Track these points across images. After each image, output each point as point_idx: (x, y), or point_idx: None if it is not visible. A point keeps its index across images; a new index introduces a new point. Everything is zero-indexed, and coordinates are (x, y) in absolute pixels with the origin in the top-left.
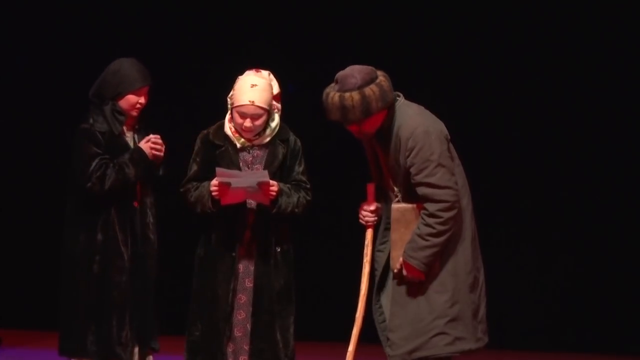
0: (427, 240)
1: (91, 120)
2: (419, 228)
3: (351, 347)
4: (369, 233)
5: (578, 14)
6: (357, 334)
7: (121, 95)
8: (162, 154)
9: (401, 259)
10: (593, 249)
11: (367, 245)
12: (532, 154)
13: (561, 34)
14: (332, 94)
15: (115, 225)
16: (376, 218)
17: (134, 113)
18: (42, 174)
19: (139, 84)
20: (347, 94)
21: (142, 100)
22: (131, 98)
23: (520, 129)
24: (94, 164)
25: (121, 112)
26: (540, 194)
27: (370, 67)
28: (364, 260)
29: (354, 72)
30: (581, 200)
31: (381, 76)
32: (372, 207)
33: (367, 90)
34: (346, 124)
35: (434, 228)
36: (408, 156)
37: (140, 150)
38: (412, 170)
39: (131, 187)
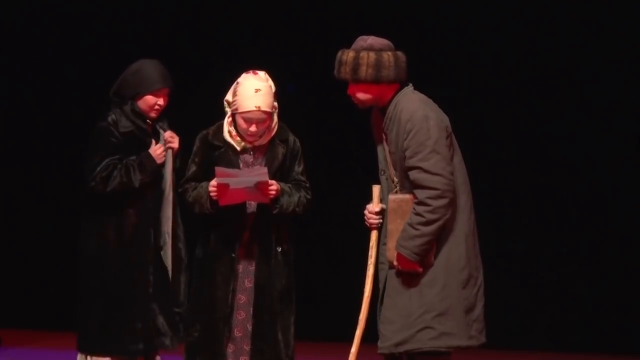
0: (417, 229)
1: (109, 119)
2: (410, 217)
3: (354, 349)
4: (374, 235)
5: (582, 13)
6: (360, 335)
7: (140, 96)
8: (175, 145)
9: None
10: (593, 249)
11: (372, 247)
12: (533, 154)
13: (561, 36)
14: (341, 50)
15: (132, 222)
16: (380, 220)
17: (153, 114)
18: (40, 174)
19: (158, 85)
20: (347, 51)
21: (161, 101)
22: (150, 99)
23: (518, 129)
24: (103, 163)
25: (140, 113)
26: (540, 193)
27: (388, 42)
28: (369, 262)
29: (369, 38)
30: (581, 201)
31: (391, 52)
32: (377, 209)
33: (363, 53)
34: (348, 80)
35: (423, 217)
36: (405, 139)
37: (149, 155)
38: (407, 153)
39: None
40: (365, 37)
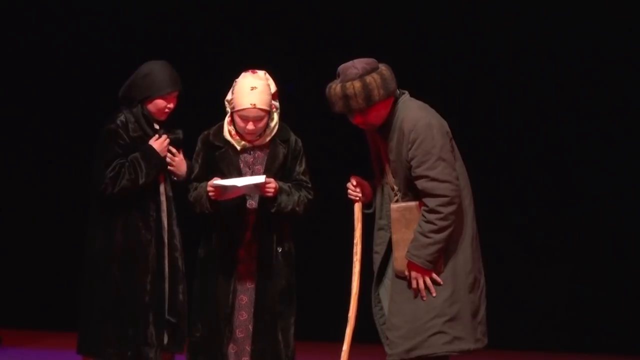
0: (429, 237)
1: (118, 121)
2: (420, 226)
3: (345, 347)
4: (358, 231)
5: (581, 13)
6: (351, 333)
7: (150, 99)
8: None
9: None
10: (593, 249)
11: (357, 244)
12: (532, 154)
13: (562, 36)
14: (334, 85)
15: (138, 227)
16: (359, 193)
17: (162, 117)
18: (42, 174)
19: (168, 89)
20: (348, 84)
21: (170, 105)
22: (159, 102)
23: (519, 130)
24: (111, 165)
25: (150, 118)
26: (540, 193)
27: (371, 59)
28: (354, 259)
29: (355, 63)
30: (581, 201)
31: (383, 66)
32: (354, 182)
33: (369, 78)
34: (350, 115)
35: (434, 224)
36: (410, 149)
37: (151, 148)
38: (413, 163)
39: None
40: (347, 65)
